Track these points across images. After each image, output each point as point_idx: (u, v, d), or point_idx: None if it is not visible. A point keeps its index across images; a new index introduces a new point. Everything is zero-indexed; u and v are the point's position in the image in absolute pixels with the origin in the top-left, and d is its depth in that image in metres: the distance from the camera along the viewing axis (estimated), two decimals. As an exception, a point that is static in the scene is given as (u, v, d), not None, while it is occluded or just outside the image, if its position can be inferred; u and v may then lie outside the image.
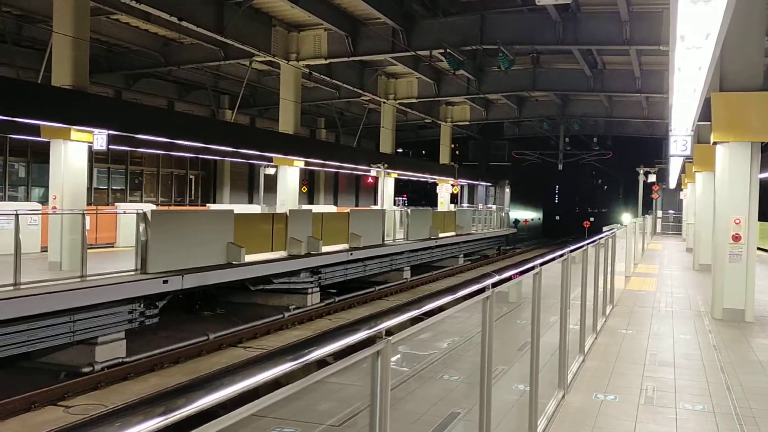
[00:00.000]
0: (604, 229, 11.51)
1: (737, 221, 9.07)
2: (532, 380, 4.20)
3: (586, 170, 43.63)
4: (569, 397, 5.37)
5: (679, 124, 9.69)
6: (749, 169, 9.00)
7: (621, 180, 47.89)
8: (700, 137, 14.49)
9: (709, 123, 10.31)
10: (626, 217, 38.94)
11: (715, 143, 9.35)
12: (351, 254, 18.05)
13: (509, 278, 3.43)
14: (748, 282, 9.10)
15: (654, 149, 38.22)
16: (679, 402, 5.36)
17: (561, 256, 5.06)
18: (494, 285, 3.06)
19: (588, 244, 6.63)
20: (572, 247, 5.70)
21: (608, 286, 9.33)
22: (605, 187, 51.63)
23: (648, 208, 36.86)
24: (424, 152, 44.28)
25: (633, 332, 8.26)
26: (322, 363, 1.73)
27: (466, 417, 4.87)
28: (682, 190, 32.58)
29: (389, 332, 1.93)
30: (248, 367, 1.56)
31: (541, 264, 4.26)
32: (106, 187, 24.72)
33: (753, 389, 5.77)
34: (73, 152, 12.31)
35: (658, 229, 36.63)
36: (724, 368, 6.49)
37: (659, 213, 37.93)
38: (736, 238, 9.09)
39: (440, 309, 2.38)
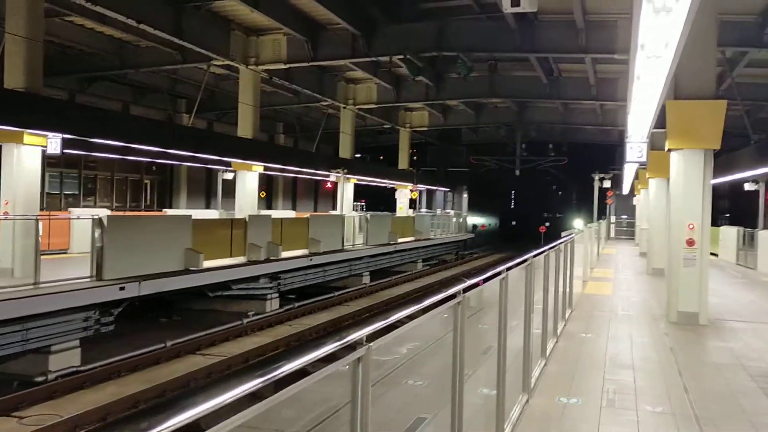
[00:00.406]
0: (563, 234, 11.69)
1: (691, 226, 9.33)
2: (499, 384, 4.23)
3: (541, 176, 44.33)
4: (533, 400, 5.43)
5: (635, 132, 9.92)
6: (702, 175, 9.26)
7: (574, 186, 48.80)
8: (654, 144, 14.87)
9: (663, 130, 10.60)
10: (578, 223, 39.64)
11: (669, 150, 9.60)
12: (311, 260, 17.96)
13: (476, 284, 3.44)
14: (702, 286, 9.35)
15: (607, 156, 39.03)
16: (639, 404, 5.46)
17: (525, 261, 5.12)
18: (465, 290, 3.07)
19: (550, 248, 6.73)
20: (535, 252, 5.77)
21: (567, 291, 9.49)
22: (559, 192, 52.51)
23: (602, 213, 37.63)
24: (381, 157, 44.36)
25: (592, 336, 8.41)
26: (303, 372, 1.70)
27: (433, 422, 4.88)
28: (635, 195, 33.38)
29: (370, 338, 1.92)
30: (223, 381, 1.50)
31: (508, 269, 4.30)
32: (58, 192, 24.08)
33: (710, 391, 5.93)
34: (26, 156, 11.96)
35: (612, 234, 37.42)
36: (681, 371, 6.65)
37: (613, 218, 38.76)
38: (690, 242, 9.34)
39: (422, 312, 2.38)
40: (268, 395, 1.60)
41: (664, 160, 13.04)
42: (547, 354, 6.81)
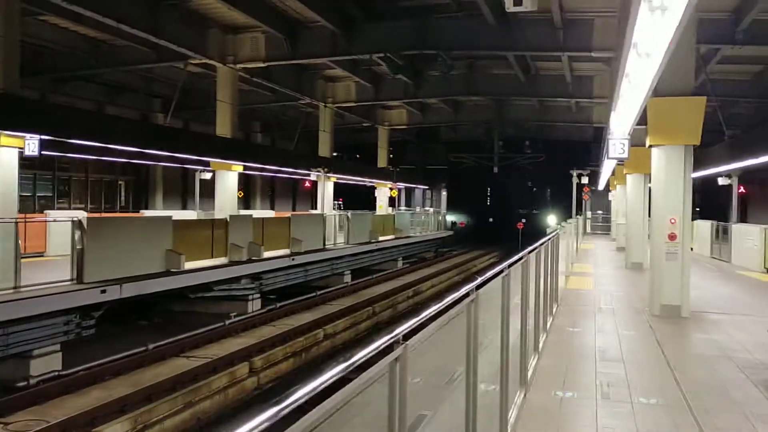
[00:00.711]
0: (548, 230, 11.81)
1: (673, 221, 9.48)
2: (502, 380, 4.27)
3: (518, 173, 44.67)
4: (530, 395, 5.49)
5: (617, 128, 10.06)
6: (683, 171, 9.42)
7: (550, 183, 49.26)
8: (632, 140, 15.09)
9: (642, 127, 10.77)
10: (551, 219, 40.08)
11: (650, 146, 9.74)
12: (293, 259, 17.89)
13: (485, 282, 3.47)
14: (684, 279, 9.52)
15: (582, 152, 39.46)
16: (633, 396, 5.55)
17: (521, 258, 5.17)
18: (478, 287, 3.10)
19: (540, 245, 6.80)
20: (529, 249, 5.83)
21: (554, 286, 9.58)
22: (534, 189, 52.94)
23: (578, 209, 38.06)
24: (358, 155, 44.33)
25: (580, 330, 8.52)
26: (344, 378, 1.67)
27: (434, 418, 4.90)
28: (610, 191, 33.83)
29: (406, 337, 1.93)
30: (253, 406, 1.45)
31: (510, 266, 4.34)
32: (32, 194, 23.67)
33: (700, 382, 6.04)
34: (3, 158, 11.75)
35: (588, 229, 37.86)
36: (670, 362, 6.77)
37: (589, 214, 39.22)
38: (672, 237, 9.50)
39: (445, 309, 2.40)
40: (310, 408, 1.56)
41: (642, 156, 13.25)
42: (540, 349, 6.89)
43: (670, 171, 9.51)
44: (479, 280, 3.17)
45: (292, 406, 1.44)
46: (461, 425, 3.49)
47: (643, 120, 10.07)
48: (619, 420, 4.97)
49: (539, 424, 4.84)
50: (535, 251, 6.39)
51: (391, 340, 1.85)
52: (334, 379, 1.61)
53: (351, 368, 1.64)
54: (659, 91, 9.31)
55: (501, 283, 4.27)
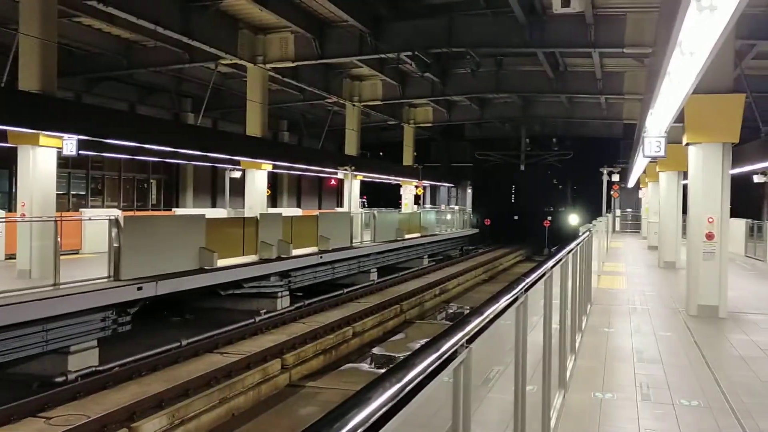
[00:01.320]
0: (581, 229, 11.73)
1: (710, 220, 9.36)
2: (545, 381, 4.27)
3: (543, 171, 44.33)
4: (569, 396, 5.47)
5: (653, 126, 9.95)
6: (721, 169, 9.29)
7: (577, 180, 48.83)
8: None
9: (678, 125, 10.64)
10: (573, 219, 39.70)
11: (687, 144, 9.62)
12: (321, 257, 18.00)
13: (531, 285, 3.46)
14: (722, 279, 9.40)
15: (610, 149, 39.04)
16: (674, 398, 5.50)
17: (561, 260, 5.15)
18: (526, 289, 3.11)
19: (577, 245, 6.76)
20: (567, 250, 5.80)
21: (587, 285, 9.52)
22: (560, 187, 52.50)
23: (607, 207, 37.69)
24: (381, 153, 44.33)
25: (615, 330, 8.45)
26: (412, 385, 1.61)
27: (474, 418, 4.91)
28: (640, 189, 33.41)
29: (470, 340, 1.95)
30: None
31: (552, 266, 4.33)
32: (66, 193, 24.10)
33: (742, 384, 5.97)
34: (42, 158, 11.99)
35: (617, 227, 37.46)
36: (709, 364, 6.69)
37: (618, 212, 38.80)
38: (710, 236, 9.38)
39: (502, 312, 2.42)
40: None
41: (676, 154, 13.10)
42: (576, 349, 6.86)
43: (707, 169, 9.39)
44: (526, 281, 3.17)
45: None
46: (501, 424, 3.51)
47: (678, 117, 9.95)
48: (660, 422, 4.94)
49: (580, 426, 4.83)
50: (572, 251, 6.36)
51: (457, 345, 1.87)
52: (406, 390, 1.54)
53: (420, 376, 1.62)
54: (697, 88, 9.18)
55: (543, 285, 4.27)
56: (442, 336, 1.88)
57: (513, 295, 2.78)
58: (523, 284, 3.11)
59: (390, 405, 1.40)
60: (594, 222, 17.58)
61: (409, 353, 1.77)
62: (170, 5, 15.85)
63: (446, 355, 1.76)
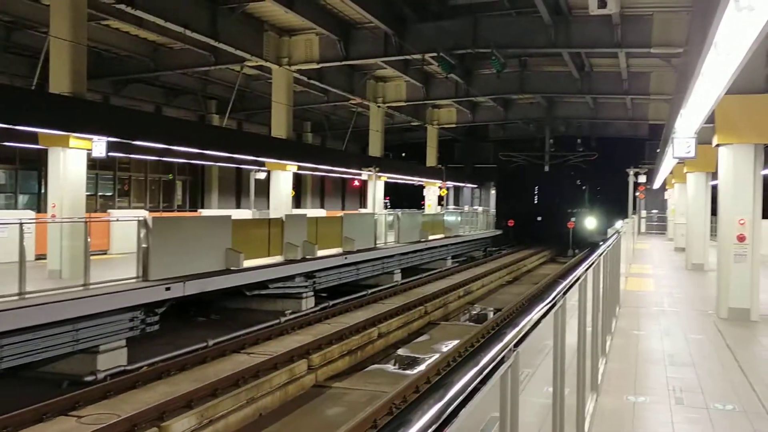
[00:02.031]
0: (609, 231, 11.63)
1: (742, 222, 9.23)
2: (579, 384, 4.25)
3: (568, 172, 43.99)
4: (601, 399, 5.43)
5: (682, 127, 9.84)
6: (753, 170, 9.17)
7: (594, 182, 48.35)
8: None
9: (707, 125, 10.50)
10: (598, 220, 39.32)
11: (718, 145, 9.50)
12: (345, 258, 18.05)
13: (569, 288, 3.45)
14: (753, 281, 9.26)
15: (635, 150, 38.65)
16: (708, 402, 5.44)
17: (593, 263, 5.12)
18: (564, 293, 3.10)
19: (608, 248, 6.71)
20: (598, 252, 5.77)
21: (616, 287, 9.45)
22: (584, 187, 52.02)
23: (633, 208, 37.33)
24: (404, 154, 44.31)
25: (645, 333, 8.38)
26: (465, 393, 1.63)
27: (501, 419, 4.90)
28: (666, 190, 33.03)
29: (517, 344, 1.95)
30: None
31: (585, 270, 4.31)
32: (93, 194, 24.43)
33: (777, 388, 5.88)
34: (72, 160, 12.17)
35: (642, 228, 37.06)
36: (743, 367, 6.60)
37: (643, 213, 38.39)
38: (741, 238, 9.25)
39: (544, 315, 2.42)
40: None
41: (705, 155, 12.92)
42: (607, 352, 6.80)
43: (739, 170, 9.26)
44: (564, 284, 3.16)
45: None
46: (534, 426, 3.49)
47: (708, 118, 9.82)
48: (695, 426, 4.89)
49: (614, 429, 4.80)
50: (603, 254, 6.32)
51: (506, 349, 1.87)
52: (460, 399, 1.55)
53: (476, 381, 1.63)
54: (729, 88, 9.07)
55: (578, 288, 4.25)
56: (491, 340, 1.88)
57: (553, 299, 2.77)
58: (561, 287, 3.10)
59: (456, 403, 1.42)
60: (622, 223, 17.42)
61: (464, 356, 1.79)
62: (197, 8, 16.02)
63: (498, 359, 1.76)
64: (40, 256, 14.43)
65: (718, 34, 4.30)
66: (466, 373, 1.62)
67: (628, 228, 16.70)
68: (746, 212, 9.23)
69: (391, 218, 23.60)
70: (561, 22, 17.25)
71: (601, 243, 8.52)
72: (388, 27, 18.38)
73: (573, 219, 41.26)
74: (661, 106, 25.88)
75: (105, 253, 16.60)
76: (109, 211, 21.96)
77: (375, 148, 28.63)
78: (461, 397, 1.47)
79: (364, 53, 19.94)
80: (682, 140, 9.75)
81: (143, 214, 17.01)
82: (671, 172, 24.60)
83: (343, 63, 20.58)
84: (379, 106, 27.75)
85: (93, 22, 17.19)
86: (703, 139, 11.36)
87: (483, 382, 1.66)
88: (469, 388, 1.52)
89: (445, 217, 29.95)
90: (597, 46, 18.16)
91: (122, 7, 13.69)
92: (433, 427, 1.29)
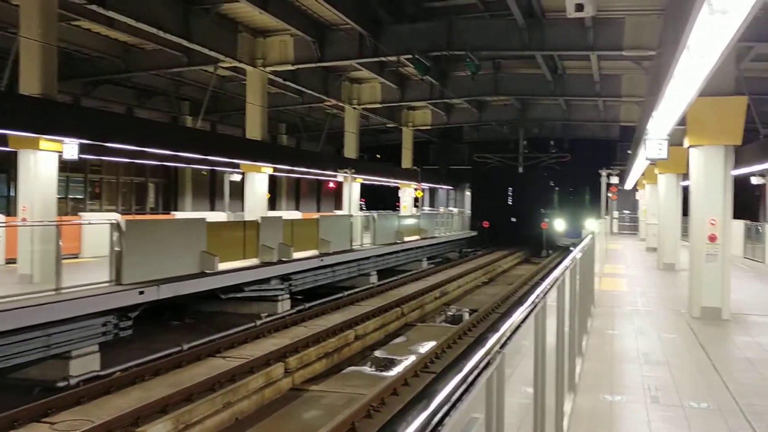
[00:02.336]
0: (583, 233, 11.76)
1: (713, 222, 9.39)
2: (558, 384, 4.27)
3: (541, 173, 44.43)
4: (578, 398, 5.48)
5: (654, 129, 9.99)
6: (723, 171, 9.33)
7: (572, 182, 48.84)
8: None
9: (678, 127, 10.67)
10: (570, 221, 39.74)
11: (689, 147, 9.65)
12: (322, 260, 18.00)
13: (549, 289, 3.47)
14: (724, 281, 9.42)
15: (606, 151, 39.14)
16: (683, 400, 5.51)
17: (572, 263, 5.16)
18: (544, 295, 3.11)
19: (582, 249, 6.77)
20: (574, 252, 5.81)
21: (590, 288, 9.54)
22: (557, 189, 52.57)
23: (605, 208, 37.75)
24: (379, 156, 44.32)
25: (619, 332, 8.47)
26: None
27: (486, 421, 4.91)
28: (637, 190, 33.48)
29: (503, 345, 1.95)
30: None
31: (564, 270, 4.34)
32: (64, 197, 24.02)
33: (750, 385, 5.98)
34: (42, 162, 11.96)
35: (615, 229, 37.50)
36: (716, 365, 6.71)
37: (615, 213, 38.85)
38: (712, 238, 9.40)
39: (527, 316, 2.42)
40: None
41: (676, 156, 13.12)
42: (583, 352, 6.86)
43: (710, 172, 9.42)
44: (543, 286, 3.18)
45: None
46: (513, 427, 3.51)
47: (679, 120, 9.97)
48: (671, 424, 4.95)
49: (591, 429, 4.84)
50: (579, 255, 6.37)
51: (492, 351, 1.87)
52: (450, 403, 1.56)
53: (462, 387, 1.63)
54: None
55: (557, 289, 4.27)
56: (477, 343, 1.88)
57: (535, 300, 2.78)
58: (541, 288, 3.12)
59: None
60: (596, 223, 17.60)
61: (455, 357, 1.79)
62: (170, 8, 15.84)
63: (484, 362, 1.76)
64: (11, 260, 14.17)
65: (691, 37, 4.37)
66: (451, 380, 1.62)
67: (601, 228, 16.86)
68: (717, 213, 9.38)
69: (366, 220, 23.58)
70: (534, 25, 17.40)
71: (571, 248, 8.61)
72: (363, 29, 18.36)
73: (546, 220, 41.66)
74: (632, 108, 26.22)
75: (77, 257, 16.31)
76: (80, 214, 21.60)
77: (350, 150, 28.60)
78: (446, 406, 1.46)
79: (339, 55, 19.90)
80: (654, 142, 9.90)
81: (115, 217, 16.80)
82: (643, 174, 24.94)
83: (318, 64, 20.53)
84: (354, 108, 27.74)
85: (64, 22, 16.91)
86: (674, 140, 11.55)
87: (469, 387, 1.66)
88: (455, 396, 1.52)
89: (421, 219, 30.00)
90: (570, 48, 18.34)
91: (93, 7, 13.48)
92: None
